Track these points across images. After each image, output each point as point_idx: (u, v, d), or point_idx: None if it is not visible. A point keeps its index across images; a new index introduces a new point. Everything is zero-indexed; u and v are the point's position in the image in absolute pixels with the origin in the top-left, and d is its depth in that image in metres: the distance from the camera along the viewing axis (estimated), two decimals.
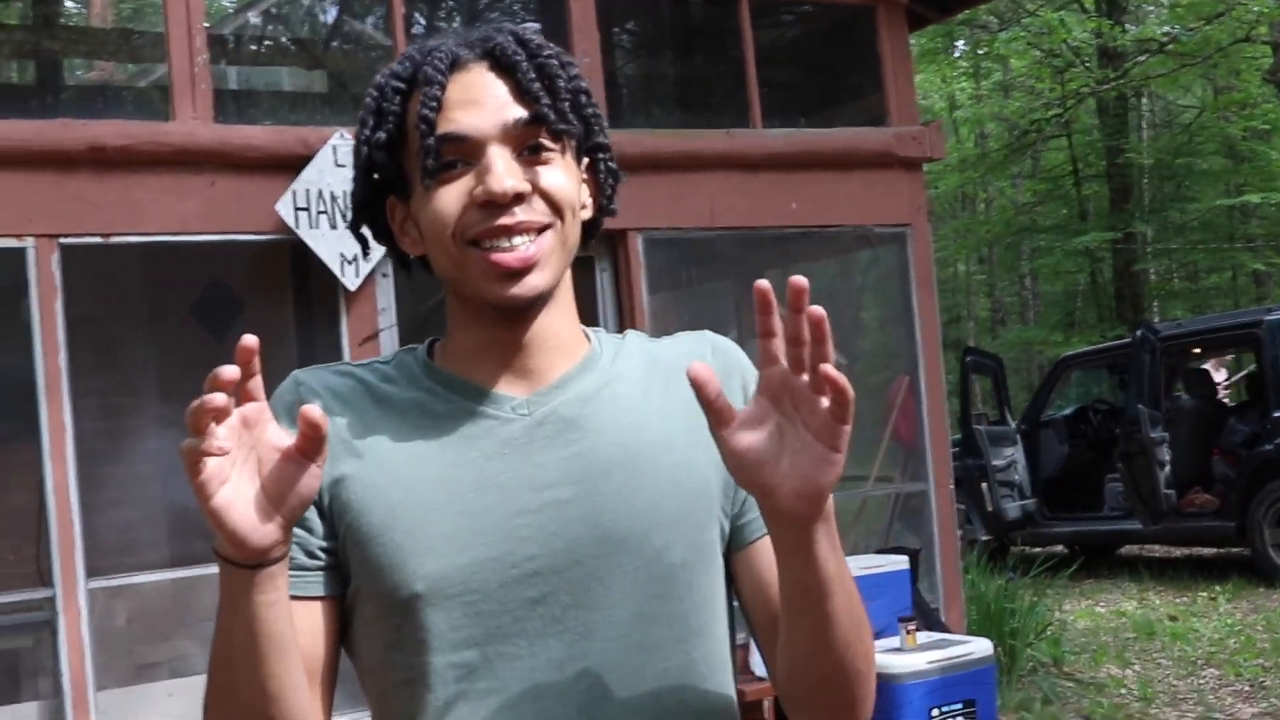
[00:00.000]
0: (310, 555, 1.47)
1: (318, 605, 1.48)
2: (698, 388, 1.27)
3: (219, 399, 1.21)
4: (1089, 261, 22.92)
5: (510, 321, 1.50)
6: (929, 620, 6.74)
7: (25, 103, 5.85)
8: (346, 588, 1.49)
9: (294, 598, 1.44)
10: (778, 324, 1.26)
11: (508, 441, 1.48)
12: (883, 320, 10.17)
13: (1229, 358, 16.02)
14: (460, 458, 1.47)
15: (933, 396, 7.31)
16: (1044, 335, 23.30)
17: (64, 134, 5.61)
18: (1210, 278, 24.47)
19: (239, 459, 1.26)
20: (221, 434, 1.23)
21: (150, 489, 7.33)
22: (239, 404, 1.25)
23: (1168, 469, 11.88)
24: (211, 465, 1.23)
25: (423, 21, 7.48)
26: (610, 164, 1.57)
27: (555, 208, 1.46)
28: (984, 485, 12.17)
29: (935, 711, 5.96)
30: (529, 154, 1.46)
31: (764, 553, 1.53)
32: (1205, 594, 11.32)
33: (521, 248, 1.43)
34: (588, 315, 1.62)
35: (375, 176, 1.51)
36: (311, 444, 1.27)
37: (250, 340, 1.25)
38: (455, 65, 1.45)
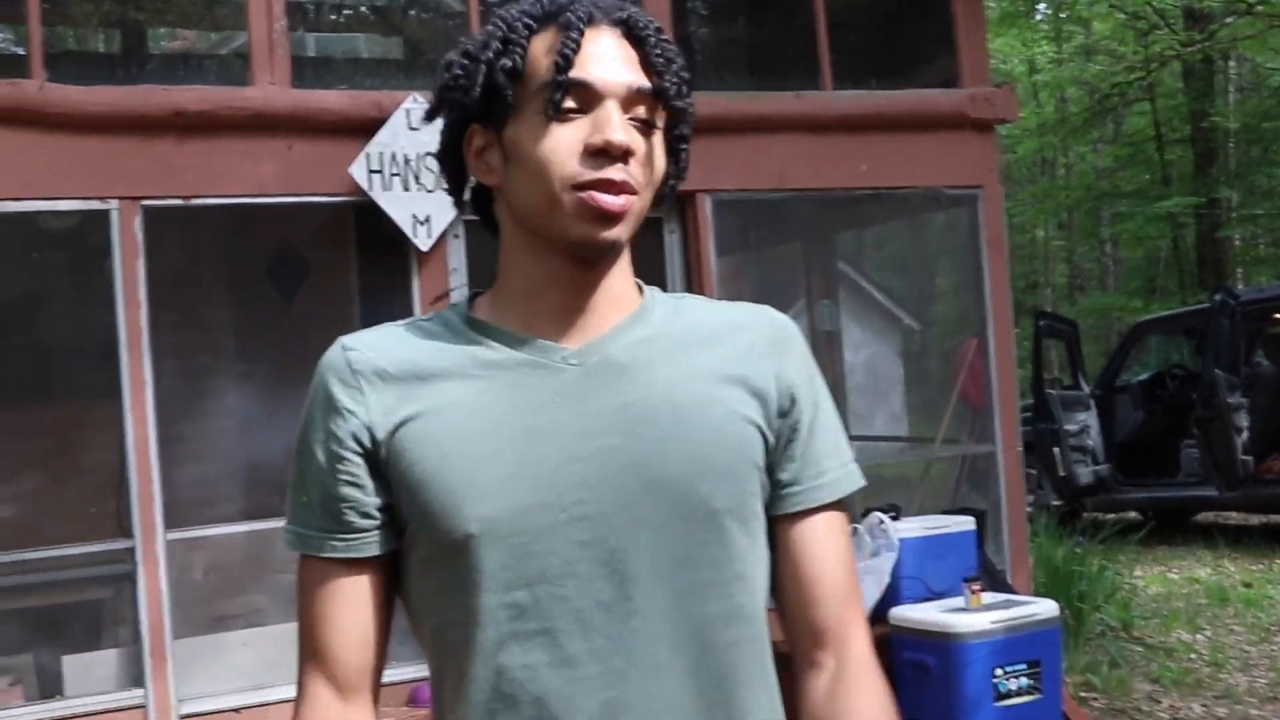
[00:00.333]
0: (365, 516, 1.55)
1: (372, 567, 1.56)
2: None
3: None
4: (1171, 227, 22.61)
5: (580, 265, 1.55)
6: (994, 581, 6.74)
7: (111, 70, 5.99)
8: (400, 540, 1.56)
9: (350, 560, 1.54)
10: None
11: (559, 391, 1.53)
12: (958, 286, 10.16)
13: None
14: (512, 406, 1.53)
15: (1002, 358, 7.29)
16: (1123, 302, 23.06)
17: (147, 99, 5.74)
18: None
19: None
20: None
21: (227, 444, 7.49)
22: None
23: (1245, 435, 11.76)
24: None
25: None
26: (685, 154, 1.64)
27: (646, 176, 1.54)
28: (1055, 450, 12.12)
29: (999, 671, 5.98)
30: (636, 122, 1.53)
31: (803, 533, 1.62)
32: None
33: (619, 197, 1.50)
34: (657, 277, 1.71)
35: (478, 101, 1.55)
36: None
37: None
38: (591, 21, 1.52)
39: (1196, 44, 18.70)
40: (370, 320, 6.22)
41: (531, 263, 1.57)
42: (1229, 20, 18.48)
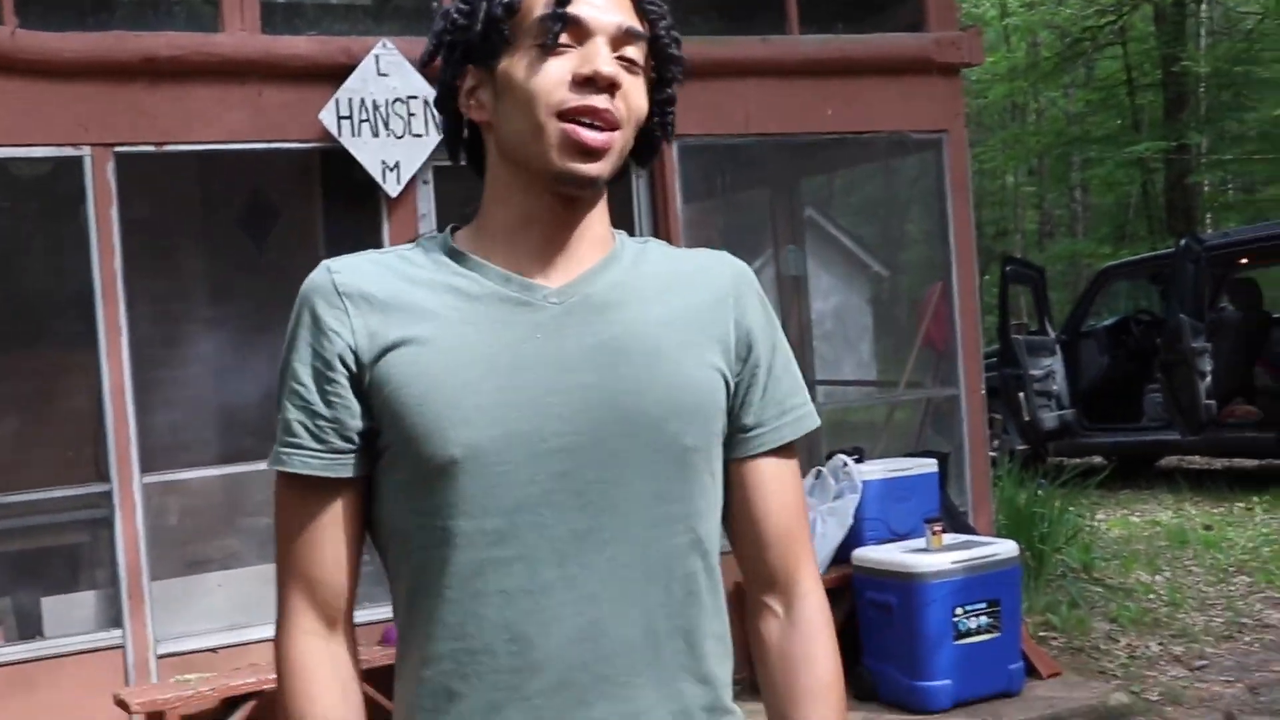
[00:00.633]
0: (345, 438, 1.60)
1: (350, 489, 1.62)
2: None
3: None
4: (1141, 173, 22.64)
5: (563, 199, 1.62)
6: (956, 522, 6.87)
7: (82, 16, 5.98)
8: (374, 465, 1.62)
9: (329, 480, 1.60)
10: None
11: (539, 326, 1.60)
12: (928, 234, 10.23)
13: None
14: (495, 339, 1.59)
15: (965, 303, 7.37)
16: (1093, 248, 23.11)
17: (117, 45, 5.76)
18: (1267, 190, 24.12)
19: None
20: None
21: (202, 389, 7.54)
22: None
23: (1209, 380, 11.88)
24: None
25: None
26: (672, 114, 1.71)
27: (629, 113, 1.60)
28: (1021, 395, 12.23)
29: (959, 610, 6.12)
30: (622, 61, 1.60)
31: (755, 474, 1.71)
32: (1242, 504, 11.40)
33: (602, 133, 1.56)
34: (624, 223, 1.76)
35: (475, 39, 1.62)
36: None
37: None
38: None
39: None
40: None
41: (516, 199, 1.63)
42: None
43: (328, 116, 5.95)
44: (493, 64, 1.61)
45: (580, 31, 1.57)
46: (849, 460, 6.66)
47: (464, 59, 1.64)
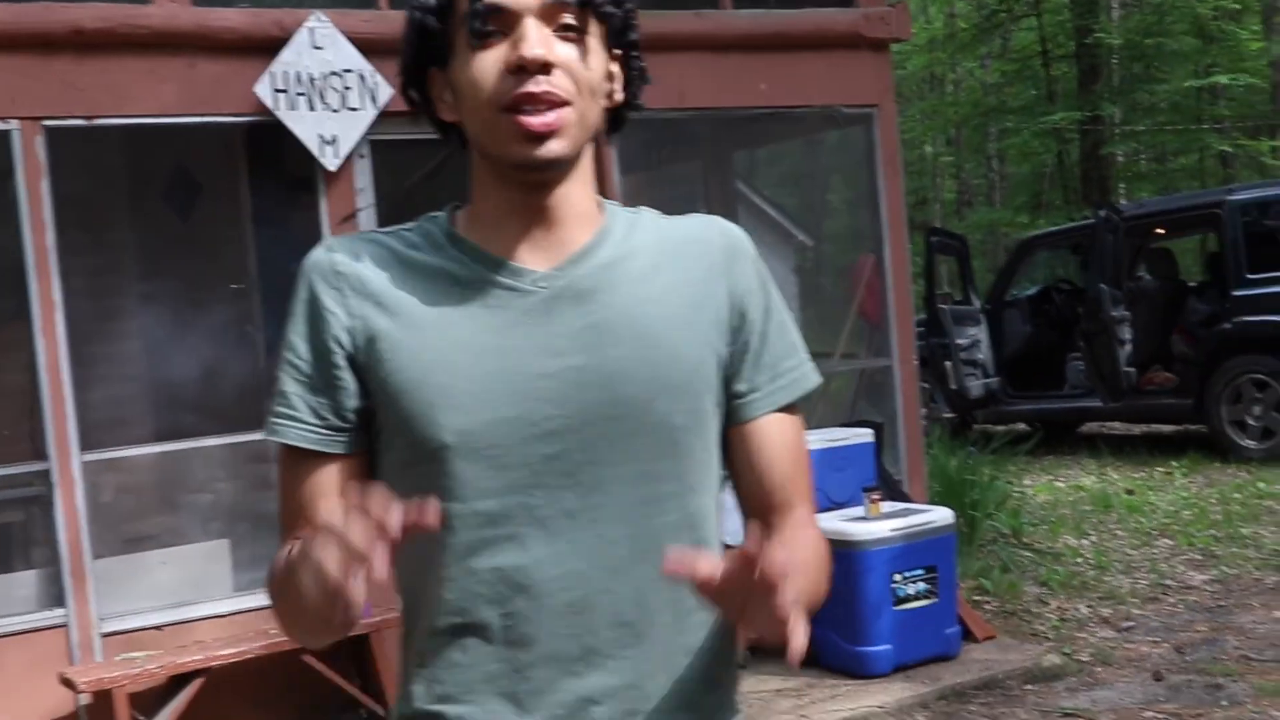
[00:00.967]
0: (342, 418, 1.62)
1: (346, 462, 1.64)
2: (676, 578, 1.40)
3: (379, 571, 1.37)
4: (1056, 143, 22.96)
5: (532, 186, 1.62)
6: (892, 491, 6.96)
7: None
8: (375, 442, 1.64)
9: (327, 453, 1.62)
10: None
11: (528, 311, 1.62)
12: (850, 202, 10.30)
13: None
14: (485, 324, 1.61)
15: (898, 275, 7.46)
16: (1010, 217, 23.42)
17: (45, 16, 5.67)
18: (1178, 160, 24.57)
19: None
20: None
21: (138, 365, 7.47)
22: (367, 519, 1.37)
23: (1128, 348, 12.12)
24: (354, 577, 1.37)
25: None
26: (640, 64, 1.70)
27: (577, 84, 1.58)
28: (948, 364, 12.38)
29: (897, 577, 6.22)
30: (562, 32, 1.58)
31: (757, 435, 1.71)
32: (1162, 469, 11.63)
33: (545, 115, 1.55)
34: None
35: (421, 43, 1.63)
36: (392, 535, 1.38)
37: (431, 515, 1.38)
38: None
39: None
40: (266, 242, 6.21)
41: (494, 190, 1.65)
42: None
43: (263, 90, 5.89)
44: (446, 66, 1.62)
45: (506, 18, 1.56)
46: None
47: (425, 64, 1.65)
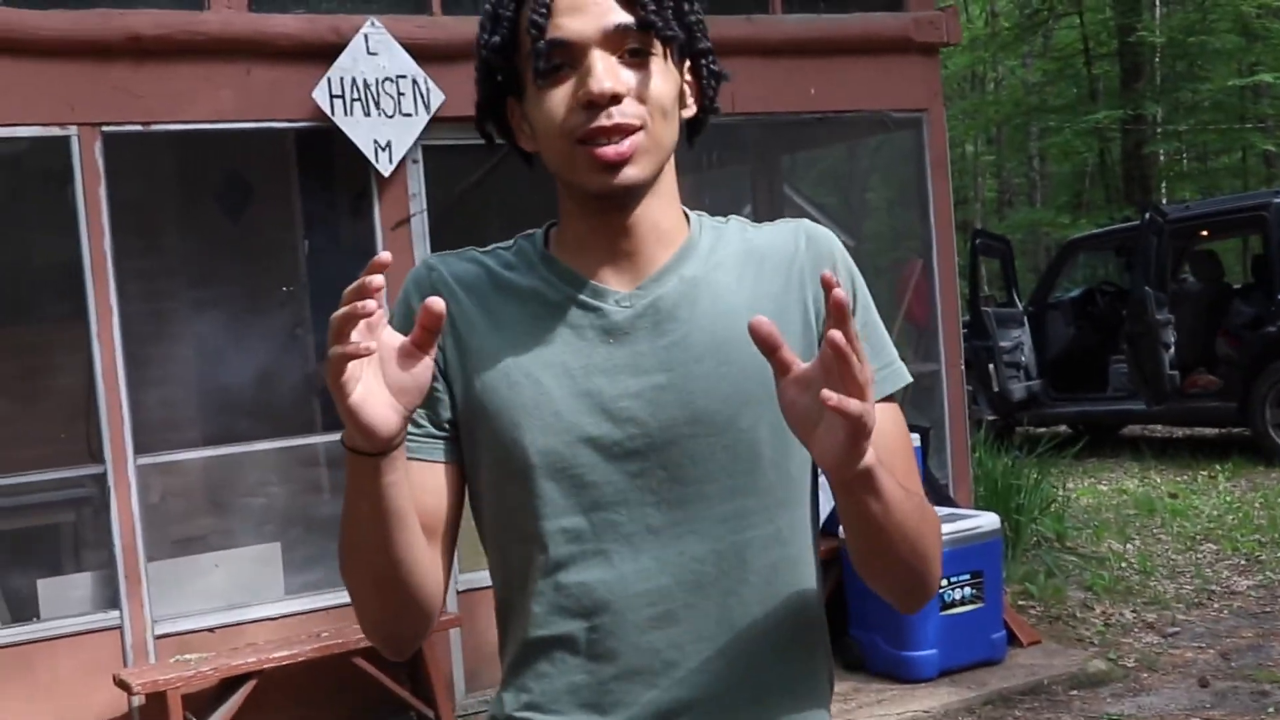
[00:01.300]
0: (438, 426, 1.66)
1: (442, 468, 1.67)
2: (758, 341, 1.42)
3: (371, 305, 1.37)
4: (1098, 142, 22.83)
5: (611, 211, 1.64)
6: (939, 495, 6.95)
7: None
8: (469, 451, 1.67)
9: (423, 460, 1.65)
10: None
11: (611, 331, 1.64)
12: (891, 201, 10.27)
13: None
14: (570, 345, 1.64)
15: (945, 279, 7.46)
16: (1051, 217, 23.29)
17: (102, 24, 5.73)
18: (1220, 159, 24.39)
19: (365, 359, 1.43)
20: (357, 338, 1.39)
21: (193, 369, 7.53)
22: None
23: (1172, 350, 12.06)
24: (350, 367, 1.40)
25: None
26: (713, 66, 1.69)
27: (648, 108, 1.58)
28: (990, 366, 12.35)
29: (944, 582, 6.22)
30: (629, 57, 1.58)
31: None
32: (1205, 472, 11.58)
33: (618, 144, 1.56)
34: None
35: (495, 79, 1.65)
36: (428, 336, 1.44)
37: (385, 256, 1.40)
38: None
39: None
40: (318, 246, 6.27)
41: (576, 215, 1.67)
42: None
43: (320, 95, 5.94)
44: (521, 97, 1.64)
45: (571, 50, 1.56)
46: None
47: (501, 96, 1.67)
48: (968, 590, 6.32)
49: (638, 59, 1.59)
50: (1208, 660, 6.57)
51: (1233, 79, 21.01)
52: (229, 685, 5.47)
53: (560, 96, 1.57)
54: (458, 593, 6.11)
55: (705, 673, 1.64)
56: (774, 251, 1.71)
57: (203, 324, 7.30)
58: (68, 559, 6.38)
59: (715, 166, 8.95)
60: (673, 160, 1.66)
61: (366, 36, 6.03)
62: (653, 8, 1.58)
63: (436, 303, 1.42)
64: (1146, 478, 11.65)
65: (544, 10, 1.56)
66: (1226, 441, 12.75)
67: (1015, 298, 13.19)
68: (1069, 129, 22.11)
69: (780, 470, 1.67)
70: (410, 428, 1.64)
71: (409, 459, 1.62)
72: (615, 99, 1.56)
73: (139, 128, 5.82)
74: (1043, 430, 13.00)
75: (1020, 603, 7.41)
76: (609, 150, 1.56)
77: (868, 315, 1.73)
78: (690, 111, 1.68)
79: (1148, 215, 12.46)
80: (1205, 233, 13.29)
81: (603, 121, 1.55)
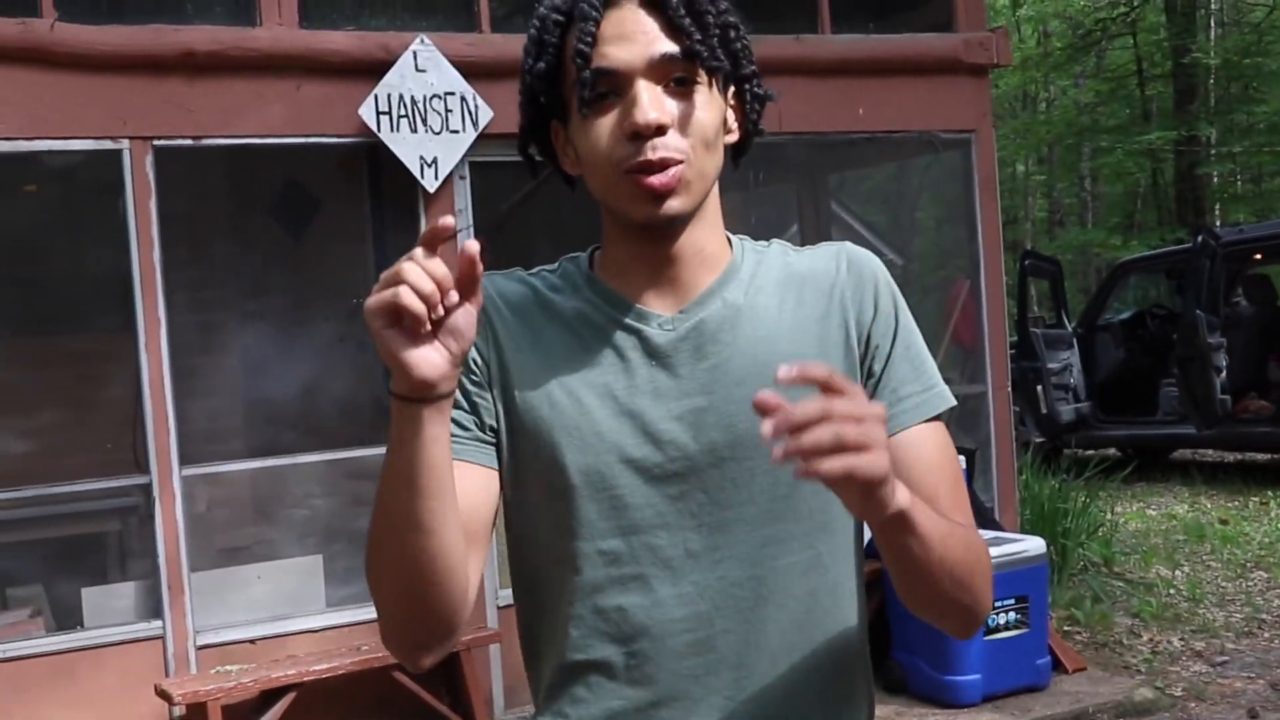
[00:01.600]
0: (484, 430, 1.65)
1: (486, 473, 1.65)
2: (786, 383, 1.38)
3: (450, 220, 1.36)
4: (1150, 163, 22.69)
5: (655, 238, 1.64)
6: (984, 519, 6.90)
7: (121, 9, 6.02)
8: (508, 467, 1.66)
9: (469, 462, 1.63)
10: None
11: (654, 354, 1.64)
12: (939, 220, 10.24)
13: None
14: (613, 368, 1.64)
15: (993, 300, 7.42)
16: (1103, 237, 23.10)
17: (156, 39, 5.79)
18: (1275, 181, 24.15)
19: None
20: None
21: (240, 381, 7.59)
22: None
23: (1224, 375, 11.94)
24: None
25: None
26: (758, 90, 1.68)
27: (692, 139, 1.57)
28: (1039, 388, 12.27)
29: None
30: (675, 86, 1.58)
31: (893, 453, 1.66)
32: (1257, 499, 11.45)
33: (664, 174, 1.56)
34: None
35: (539, 103, 1.65)
36: (471, 280, 1.39)
37: (449, 220, 1.37)
38: (609, 2, 1.58)
39: None
40: (382, 260, 6.31)
41: (620, 241, 1.67)
42: None
43: (367, 112, 5.98)
44: (565, 121, 1.64)
45: (616, 80, 1.56)
46: None
47: (546, 119, 1.67)
48: (1013, 615, 6.26)
49: (683, 88, 1.58)
50: (1257, 691, 6.48)
51: None
52: (269, 697, 5.50)
53: (606, 125, 1.57)
54: (498, 608, 6.12)
55: (743, 700, 1.63)
56: (815, 275, 1.70)
57: (252, 337, 7.35)
58: (112, 568, 6.43)
59: (762, 185, 8.94)
60: (716, 186, 1.66)
61: (415, 54, 6.07)
62: (698, 37, 1.57)
63: (471, 247, 1.38)
64: (1196, 503, 11.53)
65: (589, 39, 1.55)
66: (1278, 467, 12.60)
67: (1065, 319, 13.09)
68: (1121, 149, 21.96)
69: (820, 496, 1.63)
70: (457, 430, 1.62)
71: (455, 460, 1.57)
72: (660, 130, 1.55)
73: (189, 142, 5.87)
74: (1091, 453, 12.87)
75: (1066, 628, 7.34)
76: (655, 180, 1.56)
77: (909, 338, 1.71)
78: (734, 137, 1.68)
79: (1200, 238, 12.35)
80: (1259, 256, 13.16)
81: (648, 154, 1.55)
